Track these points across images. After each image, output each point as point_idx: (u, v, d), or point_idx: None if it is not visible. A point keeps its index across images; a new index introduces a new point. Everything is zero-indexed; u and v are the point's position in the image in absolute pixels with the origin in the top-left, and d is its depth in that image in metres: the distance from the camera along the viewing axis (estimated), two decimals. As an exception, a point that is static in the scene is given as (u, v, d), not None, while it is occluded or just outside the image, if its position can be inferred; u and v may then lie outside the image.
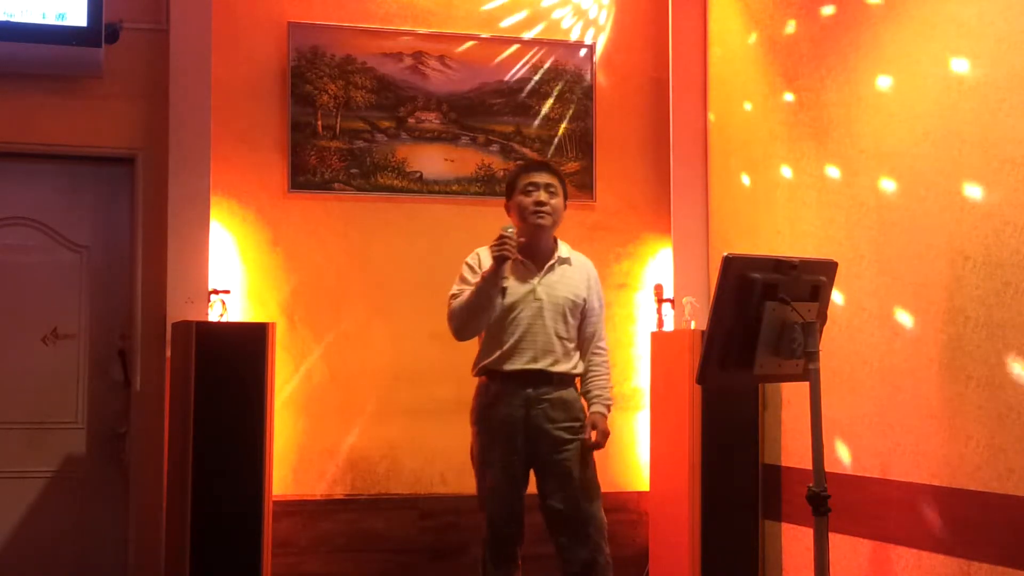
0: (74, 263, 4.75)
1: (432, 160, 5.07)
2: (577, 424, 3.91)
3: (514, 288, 3.91)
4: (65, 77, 4.63)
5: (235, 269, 4.82)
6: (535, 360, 3.87)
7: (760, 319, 3.09)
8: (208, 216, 4.70)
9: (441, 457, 4.95)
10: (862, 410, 4.18)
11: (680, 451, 4.70)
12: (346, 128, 4.98)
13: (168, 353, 4.55)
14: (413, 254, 5.02)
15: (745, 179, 4.98)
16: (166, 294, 4.62)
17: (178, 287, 4.62)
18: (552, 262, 3.98)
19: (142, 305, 4.70)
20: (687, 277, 5.18)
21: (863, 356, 4.19)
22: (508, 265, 3.82)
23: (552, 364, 3.89)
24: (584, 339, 4.02)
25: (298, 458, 4.84)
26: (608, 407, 4.00)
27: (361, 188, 4.98)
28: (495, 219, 4.99)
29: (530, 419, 3.86)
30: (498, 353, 3.90)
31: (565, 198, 4.05)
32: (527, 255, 3.96)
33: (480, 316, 3.88)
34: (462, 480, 4.93)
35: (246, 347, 4.32)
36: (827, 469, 3.18)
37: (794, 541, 4.61)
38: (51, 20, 4.44)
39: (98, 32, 4.49)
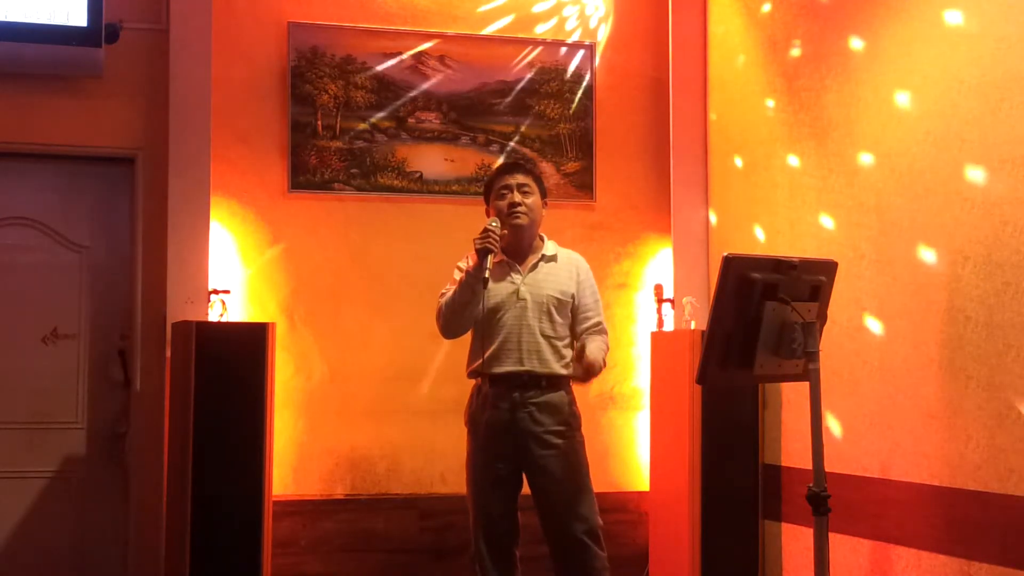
0: (74, 263, 4.75)
1: (432, 160, 5.07)
2: (566, 428, 3.88)
3: (498, 289, 3.89)
4: (65, 77, 4.63)
5: (235, 269, 4.82)
6: (521, 362, 3.84)
7: (760, 319, 3.09)
8: (208, 216, 4.70)
9: (441, 457, 4.95)
10: (862, 410, 4.18)
11: (680, 451, 4.70)
12: (346, 128, 4.98)
13: (168, 353, 4.55)
14: (413, 254, 5.02)
15: (745, 179, 4.98)
16: (166, 294, 4.62)
17: (178, 287, 4.62)
18: (536, 260, 3.96)
19: (142, 305, 4.70)
20: (687, 277, 5.18)
21: (863, 356, 4.19)
22: (491, 258, 3.78)
23: (539, 365, 3.86)
24: (579, 333, 3.93)
25: (298, 458, 4.84)
26: (599, 363, 3.78)
27: (361, 188, 4.98)
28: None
29: (517, 422, 3.83)
30: (485, 356, 3.88)
31: (543, 195, 4.03)
32: (511, 255, 3.96)
33: (464, 312, 3.87)
34: (462, 480, 4.89)
35: (246, 347, 4.32)
36: (827, 469, 3.18)
37: (794, 541, 4.61)
38: (51, 20, 4.43)
39: (98, 32, 4.49)
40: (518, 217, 3.93)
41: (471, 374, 3.97)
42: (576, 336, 3.96)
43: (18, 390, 4.65)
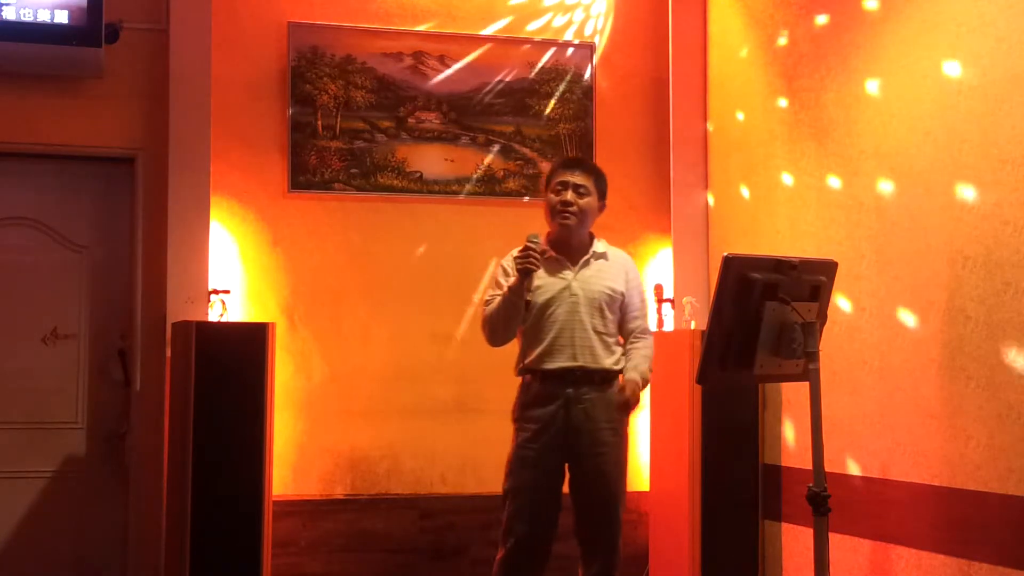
0: (74, 263, 4.75)
1: (432, 160, 5.07)
2: (618, 425, 3.90)
3: (549, 285, 3.89)
4: (65, 77, 4.63)
5: (235, 269, 4.82)
6: (574, 358, 3.84)
7: (760, 319, 3.09)
8: (208, 216, 4.70)
9: (441, 457, 4.95)
10: (862, 410, 4.18)
11: (680, 451, 4.70)
12: (346, 128, 4.98)
13: (168, 353, 4.56)
14: (413, 254, 5.02)
15: (745, 179, 4.98)
16: (166, 294, 4.62)
17: (178, 287, 4.62)
18: (587, 257, 3.96)
19: (142, 305, 4.70)
20: (687, 277, 5.18)
21: (863, 356, 4.19)
22: (533, 277, 3.79)
23: (592, 361, 3.86)
24: (627, 333, 3.99)
25: (298, 458, 4.84)
26: (644, 379, 3.91)
27: (361, 188, 4.98)
28: (495, 219, 5.05)
29: (570, 418, 3.84)
30: (537, 352, 3.87)
31: (601, 196, 3.99)
32: (561, 251, 3.95)
33: (508, 326, 3.87)
34: (462, 480, 4.95)
35: (246, 347, 4.32)
36: (827, 469, 3.18)
37: (794, 541, 4.61)
38: (51, 20, 4.44)
39: (98, 32, 4.49)
40: (567, 218, 3.92)
41: (521, 371, 3.95)
42: (623, 335, 3.99)
43: (18, 390, 4.65)
